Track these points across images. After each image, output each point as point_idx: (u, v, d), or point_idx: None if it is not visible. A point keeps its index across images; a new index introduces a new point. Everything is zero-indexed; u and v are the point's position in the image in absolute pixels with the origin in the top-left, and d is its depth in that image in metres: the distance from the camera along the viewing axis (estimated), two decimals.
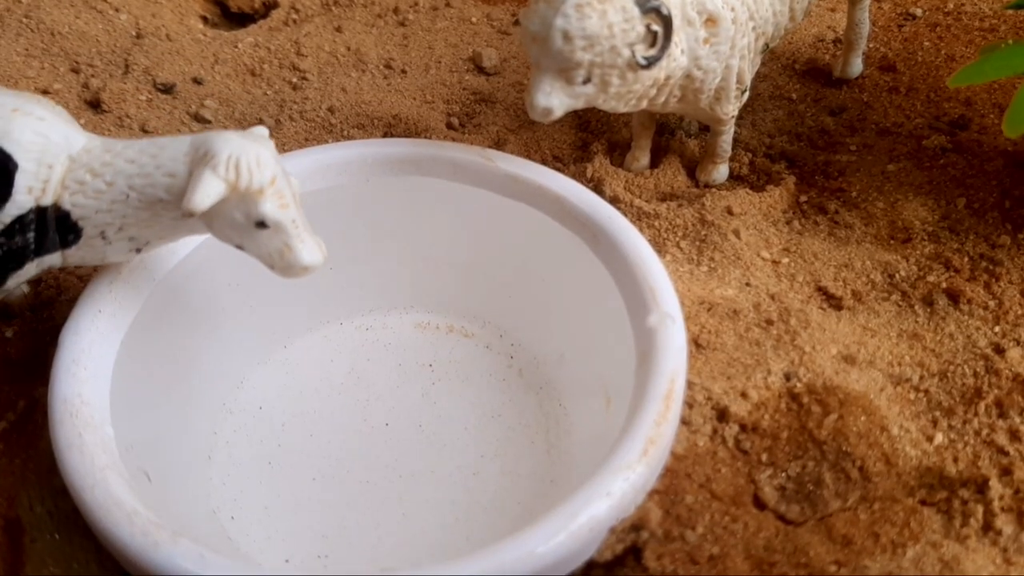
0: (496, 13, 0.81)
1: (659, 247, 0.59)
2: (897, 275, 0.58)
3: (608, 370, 0.51)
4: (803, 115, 0.70)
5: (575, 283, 0.54)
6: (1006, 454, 0.49)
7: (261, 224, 0.44)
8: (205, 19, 0.82)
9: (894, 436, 0.50)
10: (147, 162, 0.45)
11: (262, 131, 0.46)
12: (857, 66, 0.73)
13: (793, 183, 0.64)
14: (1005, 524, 0.46)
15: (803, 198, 0.64)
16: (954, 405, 0.52)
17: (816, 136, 0.69)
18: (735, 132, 0.64)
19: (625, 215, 0.54)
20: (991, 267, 0.58)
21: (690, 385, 0.51)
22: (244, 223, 0.44)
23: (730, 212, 0.61)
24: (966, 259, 0.59)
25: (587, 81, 0.52)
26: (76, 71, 0.74)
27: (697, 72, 0.56)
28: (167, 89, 0.73)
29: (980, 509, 0.47)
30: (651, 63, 0.52)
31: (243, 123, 0.70)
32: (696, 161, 0.66)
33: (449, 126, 0.70)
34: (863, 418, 0.50)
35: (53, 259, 0.48)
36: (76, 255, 0.48)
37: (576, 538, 0.41)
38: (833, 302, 0.57)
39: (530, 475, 0.52)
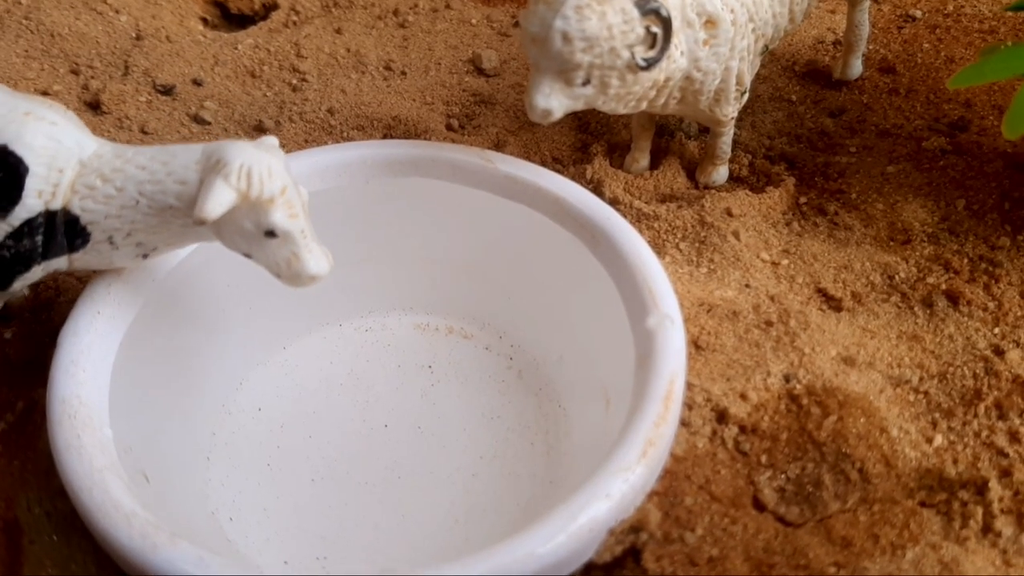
0: (496, 15, 0.81)
1: (658, 248, 0.59)
2: (897, 276, 0.58)
3: (607, 371, 0.51)
4: (803, 117, 0.70)
5: (574, 285, 0.54)
6: (1006, 456, 0.49)
7: (270, 233, 0.44)
8: (205, 21, 0.82)
9: (894, 438, 0.50)
10: (158, 168, 0.45)
11: (272, 141, 0.47)
12: (857, 68, 0.73)
13: (793, 185, 0.64)
14: (1005, 526, 0.46)
15: (803, 199, 0.64)
16: (954, 407, 0.51)
17: (816, 138, 0.69)
18: (735, 134, 0.64)
19: (625, 216, 0.54)
20: (991, 269, 0.58)
21: (689, 386, 0.51)
22: (254, 232, 0.45)
23: (730, 213, 0.61)
24: (966, 261, 0.59)
25: (586, 83, 0.52)
26: (76, 72, 0.74)
27: (696, 74, 0.56)
28: (167, 90, 0.73)
29: (980, 511, 0.47)
30: (650, 65, 0.52)
31: (243, 124, 0.70)
32: (696, 163, 0.66)
33: (449, 127, 0.70)
34: (863, 420, 0.50)
35: (59, 263, 0.48)
36: (83, 259, 0.48)
37: (575, 539, 0.41)
38: (833, 303, 0.57)
39: (529, 476, 0.52)
